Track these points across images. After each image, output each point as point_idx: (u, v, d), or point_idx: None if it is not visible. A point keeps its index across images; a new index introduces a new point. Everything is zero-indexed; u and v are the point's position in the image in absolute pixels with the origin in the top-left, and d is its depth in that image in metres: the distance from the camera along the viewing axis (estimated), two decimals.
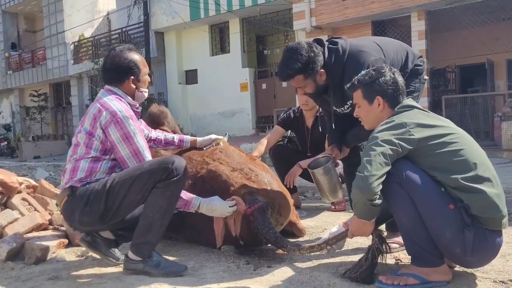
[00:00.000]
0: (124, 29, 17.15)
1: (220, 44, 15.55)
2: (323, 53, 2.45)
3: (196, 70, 15.12)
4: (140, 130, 2.35)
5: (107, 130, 2.24)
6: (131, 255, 2.26)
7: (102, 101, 2.30)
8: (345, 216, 3.64)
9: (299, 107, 4.00)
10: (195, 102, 15.46)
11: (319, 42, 2.51)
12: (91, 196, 2.19)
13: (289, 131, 4.17)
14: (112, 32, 18.39)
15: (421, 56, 2.64)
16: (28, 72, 20.60)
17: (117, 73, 2.37)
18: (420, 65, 2.58)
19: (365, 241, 2.67)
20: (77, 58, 18.67)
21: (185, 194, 2.34)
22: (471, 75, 12.89)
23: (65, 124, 20.83)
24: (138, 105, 2.43)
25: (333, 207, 3.89)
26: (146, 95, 2.47)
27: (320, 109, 3.79)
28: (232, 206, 2.43)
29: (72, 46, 18.79)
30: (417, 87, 2.54)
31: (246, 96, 14.52)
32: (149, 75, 2.50)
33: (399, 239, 2.55)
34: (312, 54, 2.41)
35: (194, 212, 2.37)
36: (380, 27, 10.91)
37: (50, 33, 19.16)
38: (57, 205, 2.40)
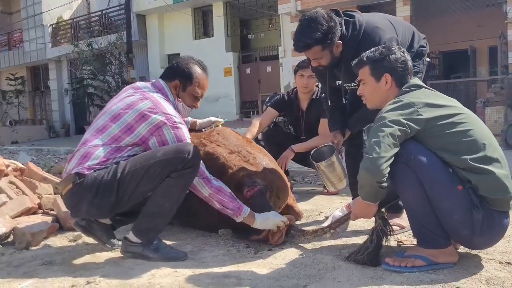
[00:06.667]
0: (104, 12, 16.76)
1: (203, 27, 15.33)
2: (341, 24, 2.37)
3: (179, 54, 14.82)
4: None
5: (160, 130, 2.17)
6: (131, 237, 2.19)
7: (154, 99, 2.22)
8: (338, 199, 3.63)
9: (294, 89, 3.93)
10: None
11: (336, 12, 2.42)
12: (100, 187, 2.06)
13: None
14: (92, 15, 17.95)
15: (425, 38, 2.60)
16: (4, 55, 20.04)
17: (172, 71, 2.41)
18: (424, 47, 2.54)
19: (364, 224, 2.65)
20: (56, 41, 18.18)
21: (236, 200, 2.27)
22: (454, 61, 12.99)
23: (43, 109, 20.40)
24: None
25: (326, 190, 3.85)
26: (182, 109, 2.44)
27: (317, 91, 3.76)
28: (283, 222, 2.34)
29: (50, 29, 18.28)
30: (421, 68, 2.50)
31: (230, 81, 14.38)
32: (197, 99, 2.49)
33: (399, 220, 2.54)
34: (332, 24, 2.32)
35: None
36: (365, 12, 10.83)
37: (27, 15, 18.59)
38: (56, 187, 2.29)
